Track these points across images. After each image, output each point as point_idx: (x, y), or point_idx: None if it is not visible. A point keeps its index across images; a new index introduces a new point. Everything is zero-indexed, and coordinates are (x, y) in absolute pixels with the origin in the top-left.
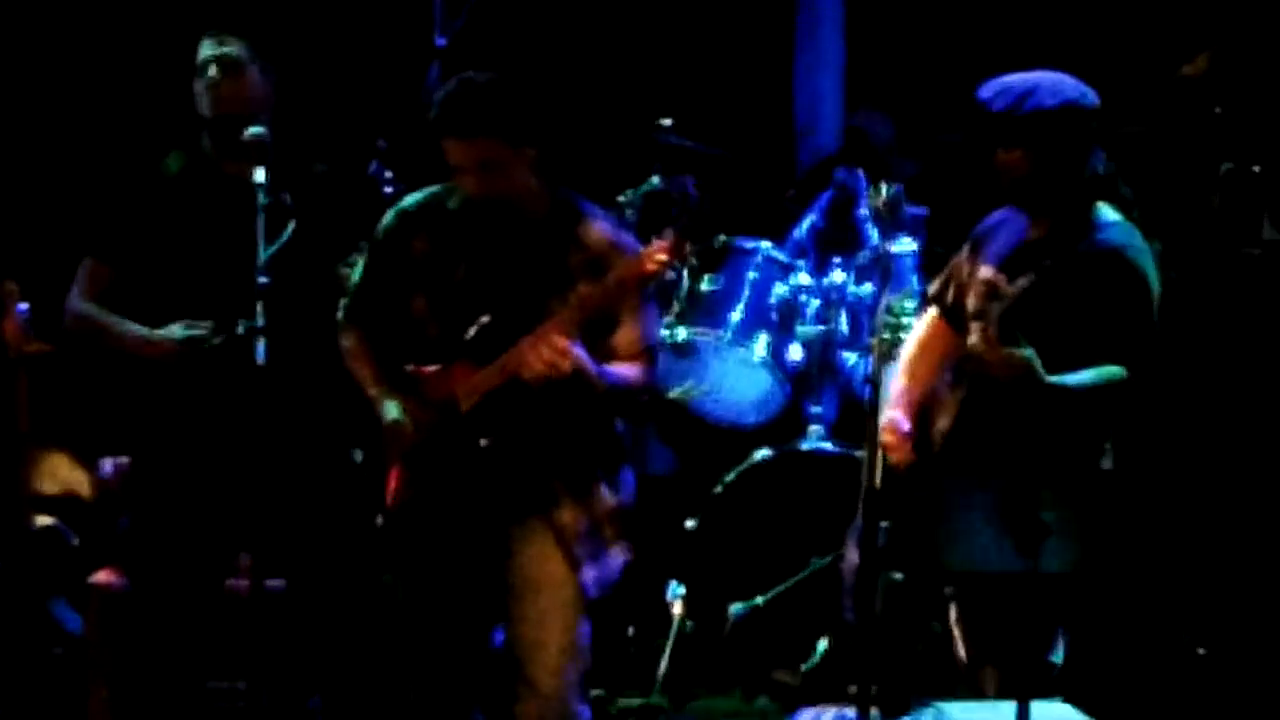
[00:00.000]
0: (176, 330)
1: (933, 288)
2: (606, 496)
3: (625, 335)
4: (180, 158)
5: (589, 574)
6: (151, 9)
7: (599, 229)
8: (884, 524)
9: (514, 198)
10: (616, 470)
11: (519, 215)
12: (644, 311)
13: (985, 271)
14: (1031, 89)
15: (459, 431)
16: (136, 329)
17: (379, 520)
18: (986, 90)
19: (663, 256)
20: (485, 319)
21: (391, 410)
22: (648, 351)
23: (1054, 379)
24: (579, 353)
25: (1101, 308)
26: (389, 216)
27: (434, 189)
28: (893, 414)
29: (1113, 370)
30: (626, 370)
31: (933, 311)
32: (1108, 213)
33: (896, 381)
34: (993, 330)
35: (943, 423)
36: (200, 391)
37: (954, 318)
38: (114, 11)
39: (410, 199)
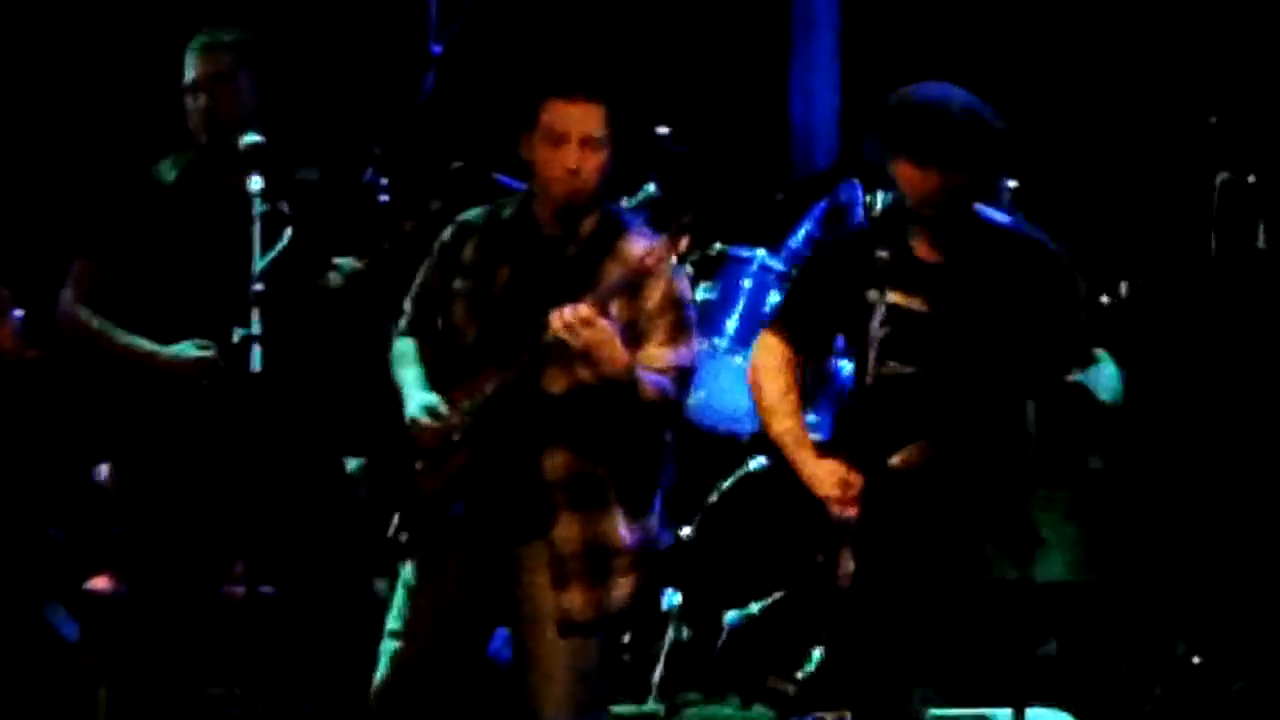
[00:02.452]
0: (189, 350)
1: (787, 311)
2: (625, 522)
3: (652, 352)
4: (175, 163)
5: (578, 597)
6: (146, 10)
7: (640, 246)
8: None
9: (591, 195)
10: (647, 501)
11: (567, 226)
12: (675, 334)
13: (892, 296)
14: (978, 104)
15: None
16: (144, 343)
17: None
18: (959, 105)
19: (663, 254)
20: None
21: (412, 407)
22: (674, 371)
23: (1107, 398)
24: (607, 323)
25: (1054, 307)
26: (448, 229)
27: (491, 205)
28: (829, 464)
29: (1114, 368)
30: (657, 377)
31: (772, 336)
32: (991, 212)
33: (785, 421)
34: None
35: (913, 451)
36: (196, 398)
37: (806, 341)
38: (108, 12)
39: (470, 213)
